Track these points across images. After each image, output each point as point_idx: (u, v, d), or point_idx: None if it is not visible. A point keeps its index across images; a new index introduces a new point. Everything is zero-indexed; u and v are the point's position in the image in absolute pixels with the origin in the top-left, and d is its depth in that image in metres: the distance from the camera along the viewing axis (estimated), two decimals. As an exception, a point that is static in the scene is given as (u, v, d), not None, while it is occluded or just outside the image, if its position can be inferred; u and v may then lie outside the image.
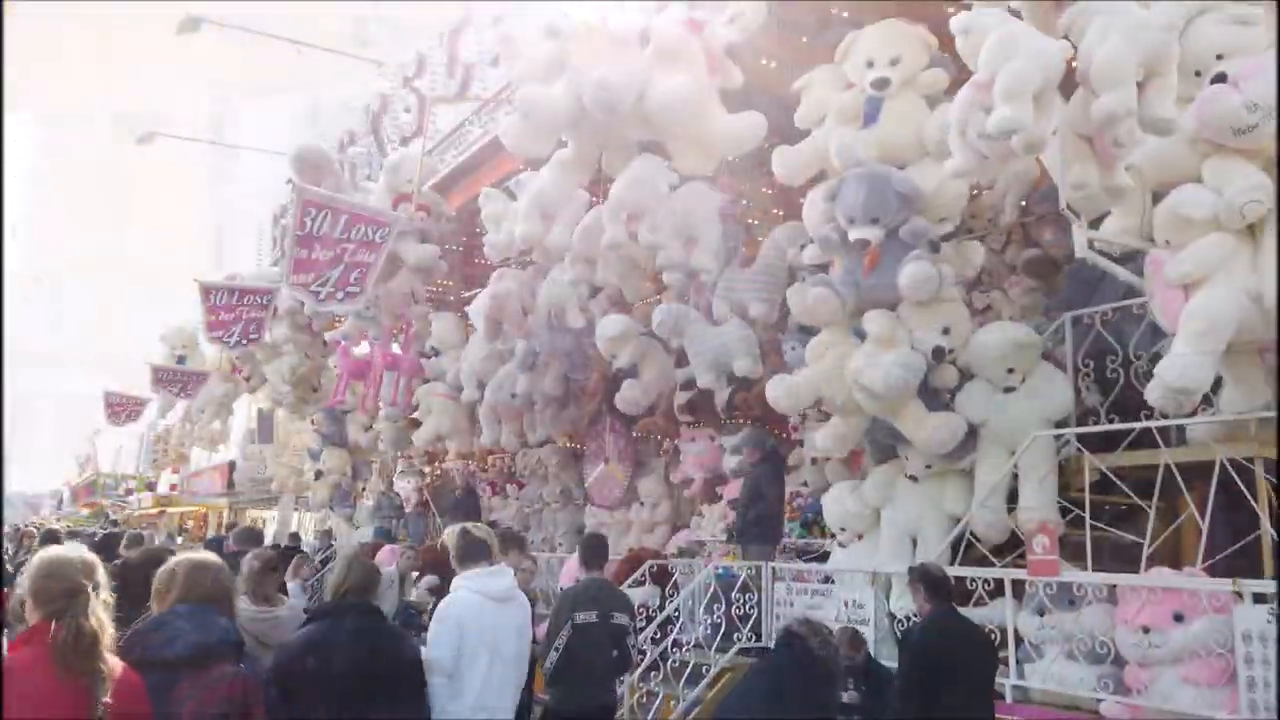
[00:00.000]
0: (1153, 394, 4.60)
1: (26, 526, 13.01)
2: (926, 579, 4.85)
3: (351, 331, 9.62)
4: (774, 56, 7.74)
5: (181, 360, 14.84)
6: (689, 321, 8.16)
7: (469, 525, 4.37)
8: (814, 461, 9.61)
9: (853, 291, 6.23)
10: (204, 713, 2.89)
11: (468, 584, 4.09)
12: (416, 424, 16.46)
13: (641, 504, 11.90)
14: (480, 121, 10.09)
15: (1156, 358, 5.71)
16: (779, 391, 6.43)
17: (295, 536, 15.00)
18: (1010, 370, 5.96)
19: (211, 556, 3.44)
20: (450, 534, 4.36)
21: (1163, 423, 5.15)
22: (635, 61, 5.90)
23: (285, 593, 5.64)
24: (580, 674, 4.97)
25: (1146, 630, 4.90)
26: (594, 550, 5.44)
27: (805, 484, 9.55)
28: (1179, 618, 4.83)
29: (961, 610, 5.86)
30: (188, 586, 3.19)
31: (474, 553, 4.21)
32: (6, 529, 9.80)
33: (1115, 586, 5.21)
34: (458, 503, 12.63)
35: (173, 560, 3.35)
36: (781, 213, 10.47)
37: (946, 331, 6.04)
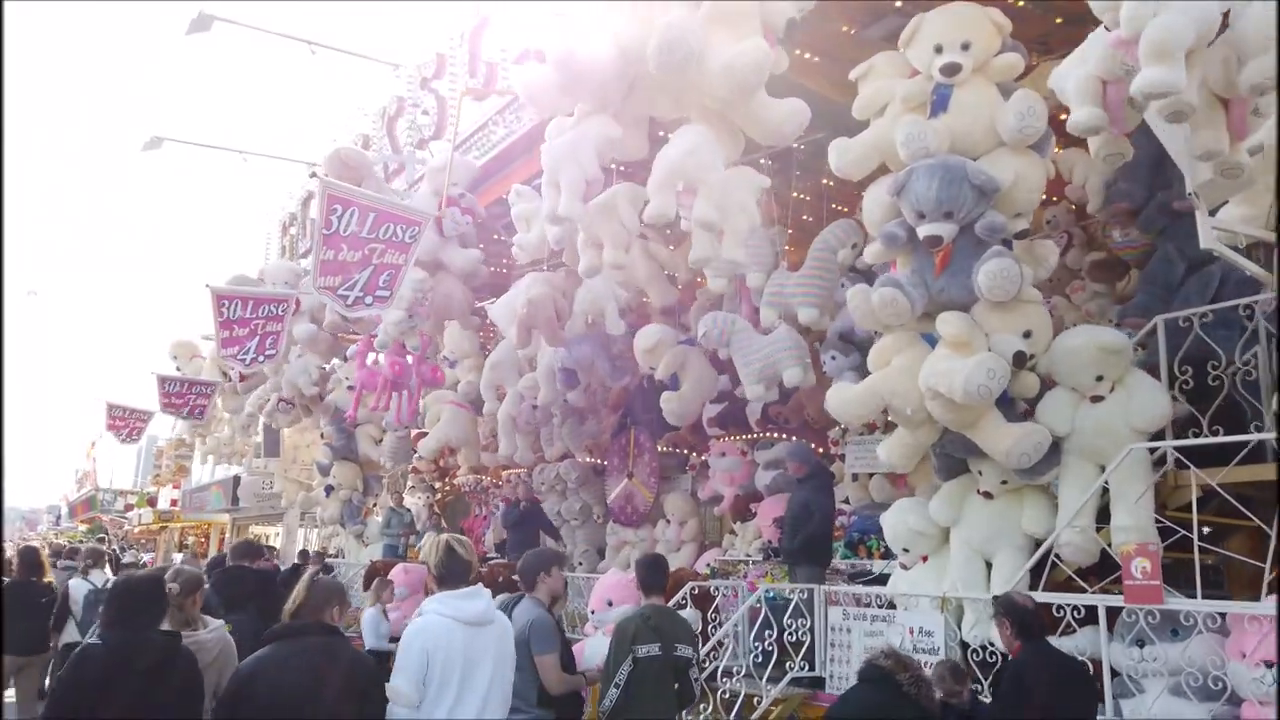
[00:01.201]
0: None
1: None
2: (1014, 613, 4.37)
3: (388, 341, 9.11)
4: (808, 48, 7.31)
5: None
6: (736, 330, 7.70)
7: (453, 540, 4.02)
8: (855, 478, 9.16)
9: (922, 293, 5.77)
10: None
11: (438, 607, 3.77)
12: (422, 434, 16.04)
13: (667, 521, 11.42)
14: (504, 122, 9.66)
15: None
16: (840, 401, 5.94)
17: (305, 555, 14.42)
18: (1099, 378, 5.48)
19: None
20: (433, 548, 3.97)
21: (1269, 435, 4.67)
22: (694, 20, 5.40)
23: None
24: (641, 712, 4.48)
25: (1269, 665, 4.41)
26: (654, 573, 4.94)
27: (846, 501, 9.08)
28: (1308, 651, 4.36)
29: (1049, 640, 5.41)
30: None
31: (457, 574, 3.91)
32: None
33: (1225, 615, 4.74)
34: (521, 518, 11.76)
35: None
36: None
37: (1027, 335, 5.57)
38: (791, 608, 6.73)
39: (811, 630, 6.70)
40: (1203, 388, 5.56)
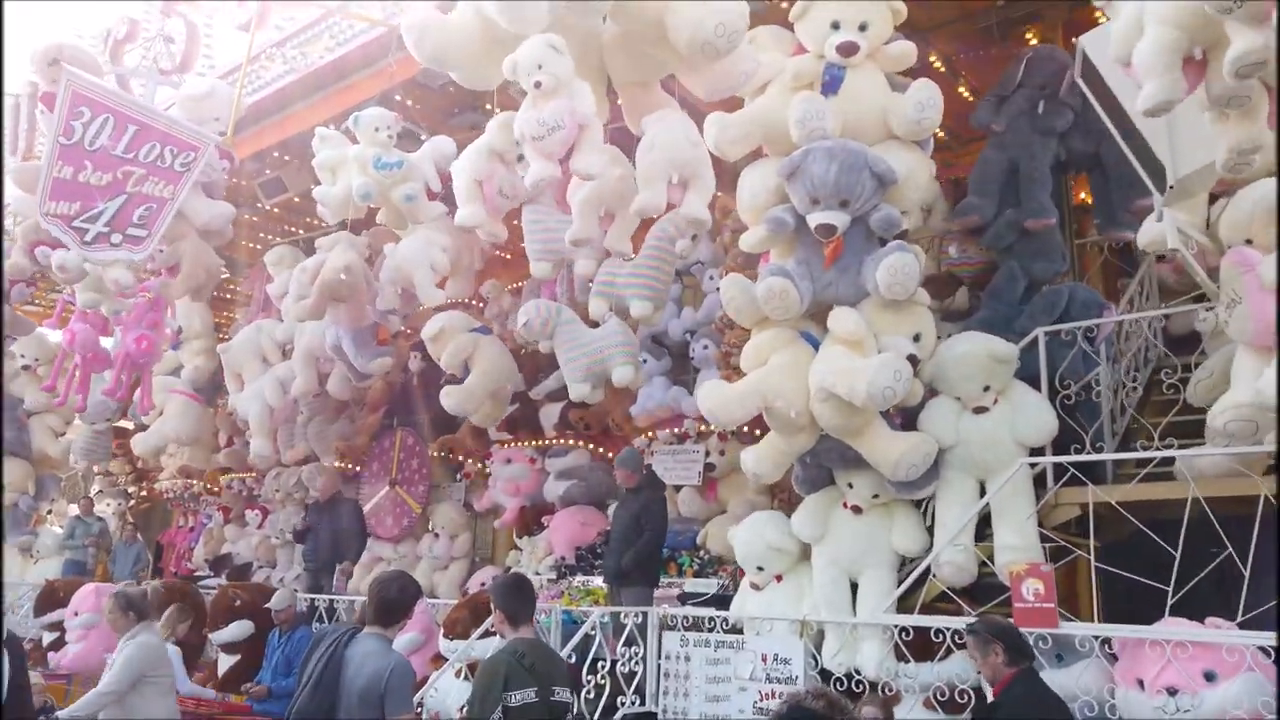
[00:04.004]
0: (1221, 418, 3.98)
1: None
2: (1007, 636, 3.93)
3: (92, 302, 7.10)
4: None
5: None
6: (562, 321, 6.81)
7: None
8: (661, 489, 8.57)
9: (808, 286, 5.26)
10: None
11: None
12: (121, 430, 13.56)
13: (435, 535, 10.19)
14: (285, 57, 8.15)
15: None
16: (718, 402, 5.26)
17: None
18: (986, 388, 5.23)
19: None
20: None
21: (1187, 453, 4.59)
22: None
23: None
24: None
25: (1173, 692, 4.26)
26: (521, 598, 3.93)
27: (650, 515, 8.44)
28: (1210, 677, 4.24)
29: (924, 666, 5.06)
30: None
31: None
32: None
33: (1109, 640, 4.58)
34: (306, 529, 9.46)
35: None
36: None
37: (917, 338, 5.22)
38: (626, 634, 5.95)
39: (644, 659, 5.96)
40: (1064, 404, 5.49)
